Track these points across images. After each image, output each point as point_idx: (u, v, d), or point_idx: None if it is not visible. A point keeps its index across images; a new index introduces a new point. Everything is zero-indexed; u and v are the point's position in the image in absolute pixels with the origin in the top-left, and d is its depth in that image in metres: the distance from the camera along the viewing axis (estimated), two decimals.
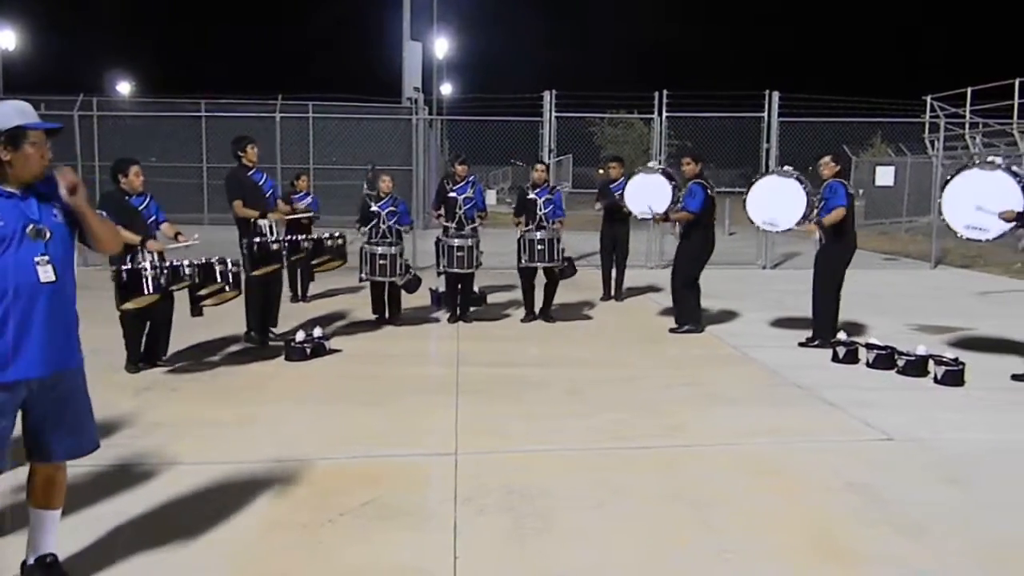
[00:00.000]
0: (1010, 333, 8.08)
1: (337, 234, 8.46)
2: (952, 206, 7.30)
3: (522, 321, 9.43)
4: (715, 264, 8.93)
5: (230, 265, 6.94)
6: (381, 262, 8.70)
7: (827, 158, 8.03)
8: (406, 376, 6.96)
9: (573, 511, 4.24)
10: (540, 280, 9.45)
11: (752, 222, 8.57)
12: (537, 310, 9.52)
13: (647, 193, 9.38)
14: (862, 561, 3.76)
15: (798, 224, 8.07)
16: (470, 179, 9.40)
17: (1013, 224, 6.93)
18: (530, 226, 9.20)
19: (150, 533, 3.89)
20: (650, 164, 9.88)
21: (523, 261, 9.14)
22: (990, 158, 7.34)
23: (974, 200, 7.04)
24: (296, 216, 9.46)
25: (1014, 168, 7.16)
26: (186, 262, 6.67)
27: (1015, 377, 7.05)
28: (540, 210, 9.22)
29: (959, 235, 7.35)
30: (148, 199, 6.97)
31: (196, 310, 6.86)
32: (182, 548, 3.77)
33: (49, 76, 36.71)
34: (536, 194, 9.32)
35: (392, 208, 9.04)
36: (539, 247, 8.98)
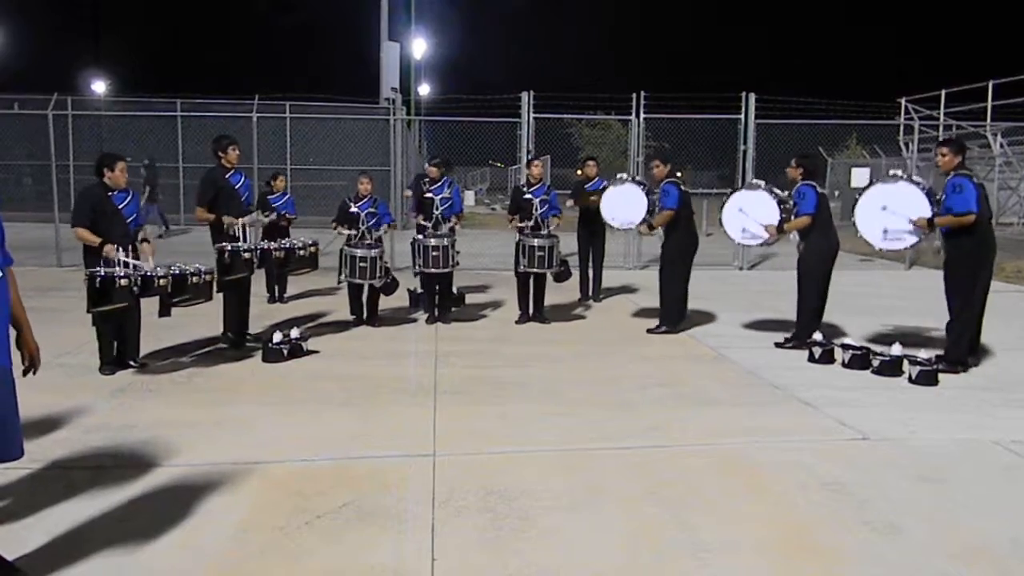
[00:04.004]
0: (982, 334, 8.16)
1: (311, 242, 8.39)
2: (866, 223, 7.49)
3: (516, 322, 9.41)
4: (692, 265, 8.97)
5: (203, 275, 6.90)
6: (361, 264, 8.66)
7: (792, 161, 8.15)
8: (384, 377, 6.95)
9: (551, 511, 4.25)
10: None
11: (731, 239, 8.63)
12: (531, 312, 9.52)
13: (624, 205, 9.38)
14: (837, 560, 3.79)
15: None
16: (447, 180, 9.38)
17: (927, 231, 7.27)
18: (525, 226, 9.19)
19: (125, 535, 3.86)
20: (619, 176, 9.88)
21: (523, 266, 9.12)
22: (891, 172, 7.61)
23: (883, 212, 7.31)
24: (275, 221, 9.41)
25: (914, 178, 7.46)
26: (160, 271, 6.62)
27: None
28: (536, 210, 9.21)
29: (877, 248, 7.57)
30: (130, 197, 6.93)
31: (164, 311, 6.82)
32: (157, 551, 3.75)
33: (23, 75, 36.35)
34: (532, 193, 9.30)
35: (372, 209, 9.02)
36: (539, 253, 8.95)
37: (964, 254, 7.07)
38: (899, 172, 7.50)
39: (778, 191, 8.29)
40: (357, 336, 8.72)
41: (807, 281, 8.08)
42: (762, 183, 8.43)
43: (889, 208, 7.26)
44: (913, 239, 7.35)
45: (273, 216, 10.36)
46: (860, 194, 7.60)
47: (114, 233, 6.65)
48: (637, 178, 9.83)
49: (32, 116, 17.08)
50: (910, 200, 7.20)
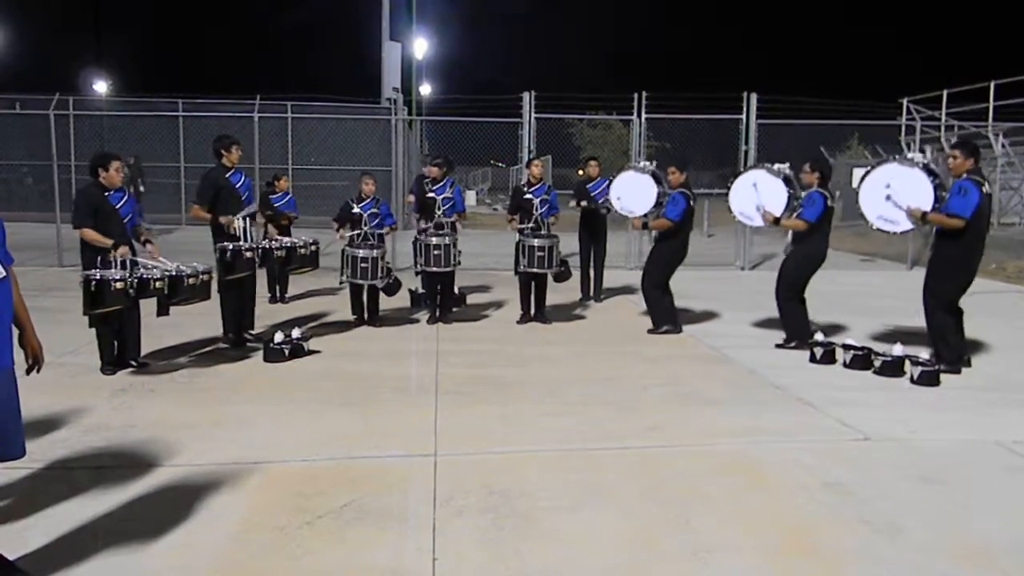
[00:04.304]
0: (983, 334, 8.17)
1: (312, 241, 8.42)
2: (868, 197, 7.47)
3: (518, 323, 9.40)
4: (693, 265, 8.98)
5: (200, 274, 6.89)
6: (363, 265, 8.66)
7: (806, 166, 8.09)
8: (385, 377, 6.95)
9: (552, 511, 4.25)
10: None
11: (730, 211, 8.65)
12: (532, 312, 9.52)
13: (632, 191, 9.37)
14: (838, 560, 3.79)
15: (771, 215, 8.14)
16: (449, 180, 9.38)
17: (920, 224, 7.23)
18: (525, 226, 9.18)
19: (126, 535, 3.86)
20: (642, 163, 9.83)
21: (522, 266, 9.11)
22: (910, 155, 7.51)
23: (886, 188, 7.28)
24: (275, 221, 9.43)
25: (931, 167, 7.32)
26: (156, 273, 6.62)
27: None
28: (536, 210, 9.20)
29: (871, 225, 7.55)
30: (126, 197, 6.91)
31: (162, 311, 6.83)
32: (159, 550, 3.75)
33: (24, 75, 36.37)
34: (533, 193, 9.28)
35: (374, 210, 9.01)
36: (539, 254, 8.93)
37: (948, 259, 7.07)
38: (918, 156, 7.41)
39: (797, 185, 8.26)
40: (358, 336, 8.72)
41: (785, 283, 8.07)
42: (786, 168, 8.39)
43: (893, 187, 7.24)
44: (906, 226, 7.33)
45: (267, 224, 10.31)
46: (872, 168, 7.57)
47: (112, 233, 6.64)
48: (659, 172, 9.71)
49: (33, 116, 17.09)
50: (917, 188, 7.15)
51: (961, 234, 6.91)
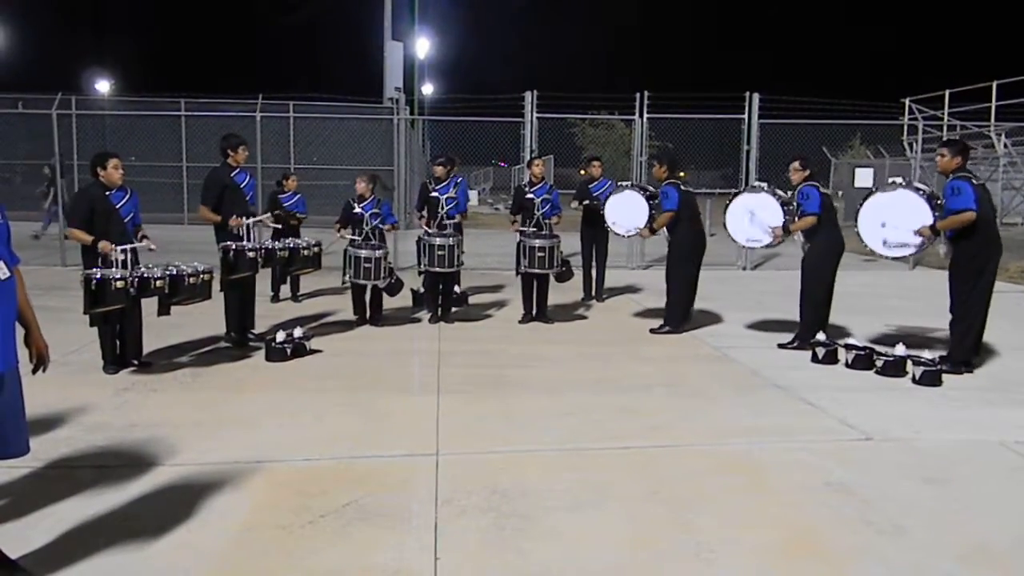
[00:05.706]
0: (986, 334, 8.13)
1: (314, 242, 8.43)
2: (869, 233, 7.52)
3: (520, 322, 9.40)
4: (700, 265, 8.95)
5: (201, 274, 6.91)
6: (366, 265, 8.67)
7: (795, 163, 8.09)
8: (387, 377, 6.95)
9: (554, 511, 4.24)
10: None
11: (735, 242, 8.65)
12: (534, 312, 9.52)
13: (627, 212, 9.37)
14: (840, 560, 3.78)
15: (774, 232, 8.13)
16: (455, 179, 9.38)
17: (932, 237, 7.17)
18: (528, 226, 9.18)
19: (128, 534, 3.86)
20: (619, 184, 9.90)
21: (523, 267, 9.12)
22: (890, 179, 7.54)
23: (884, 221, 7.34)
24: (284, 220, 9.44)
25: (915, 184, 7.40)
26: (156, 272, 6.63)
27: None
28: (538, 210, 9.20)
29: (886, 256, 7.59)
30: (128, 196, 6.90)
31: (163, 311, 6.83)
32: (160, 550, 3.75)
33: (27, 74, 36.42)
34: (534, 193, 9.29)
35: (375, 210, 9.01)
36: (540, 254, 8.95)
37: (968, 257, 7.03)
38: (899, 179, 7.45)
39: (780, 192, 8.27)
40: (360, 336, 8.72)
41: (812, 281, 8.05)
42: (764, 185, 8.42)
43: (889, 224, 7.29)
44: (913, 249, 7.35)
45: (275, 221, 10.31)
46: (862, 202, 7.59)
47: (112, 232, 6.63)
48: (638, 184, 9.79)
49: (36, 115, 17.11)
50: (911, 208, 7.17)
51: (973, 230, 6.89)
